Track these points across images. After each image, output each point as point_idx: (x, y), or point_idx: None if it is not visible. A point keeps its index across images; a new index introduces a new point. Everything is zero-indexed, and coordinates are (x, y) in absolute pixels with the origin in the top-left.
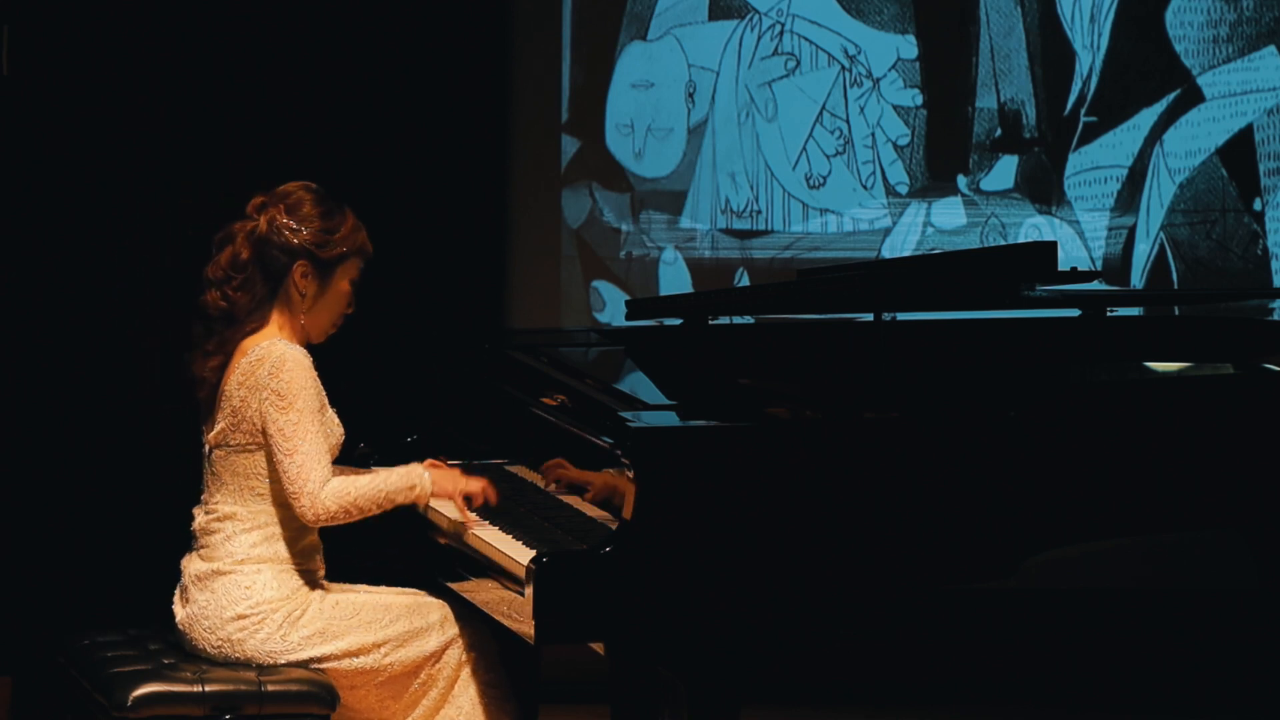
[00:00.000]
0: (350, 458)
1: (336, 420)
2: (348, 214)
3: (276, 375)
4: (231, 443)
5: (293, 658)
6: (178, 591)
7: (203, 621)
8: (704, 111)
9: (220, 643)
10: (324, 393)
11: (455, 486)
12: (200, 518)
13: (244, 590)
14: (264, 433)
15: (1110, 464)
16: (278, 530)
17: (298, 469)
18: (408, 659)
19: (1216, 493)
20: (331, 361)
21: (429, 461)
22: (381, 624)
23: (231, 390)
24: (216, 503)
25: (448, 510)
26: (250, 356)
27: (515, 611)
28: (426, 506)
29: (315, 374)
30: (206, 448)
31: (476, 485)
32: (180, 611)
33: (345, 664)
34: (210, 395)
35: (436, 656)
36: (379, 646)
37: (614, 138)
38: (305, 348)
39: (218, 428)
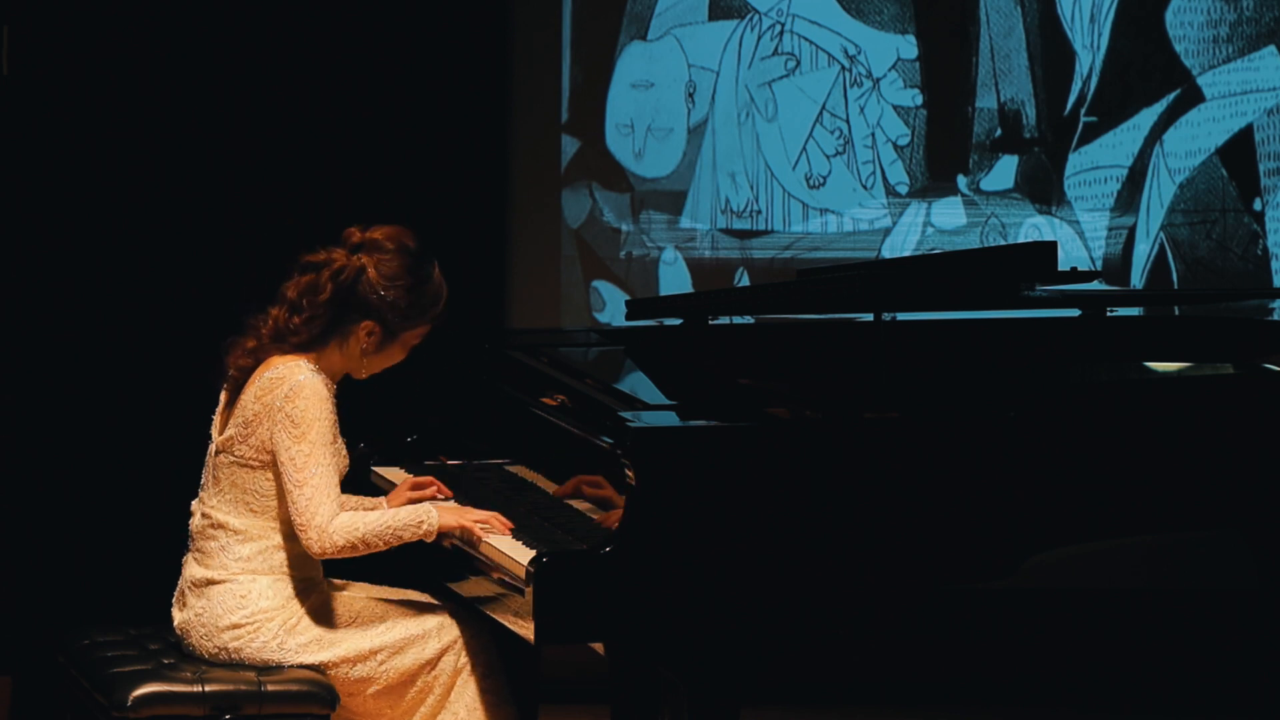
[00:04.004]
0: (351, 458)
1: (344, 451)
2: (435, 279)
3: (292, 400)
4: (236, 453)
5: (290, 663)
6: (176, 595)
7: (199, 629)
8: (704, 111)
9: (217, 650)
10: (337, 424)
11: (459, 521)
12: (197, 518)
13: (239, 599)
14: (273, 456)
15: (1110, 464)
16: (272, 542)
17: (307, 501)
18: (404, 666)
19: (1216, 493)
20: None
21: (418, 481)
22: (378, 630)
23: (247, 401)
24: (212, 508)
25: None
26: (272, 373)
27: (516, 611)
28: None
29: (332, 405)
30: (213, 445)
31: (479, 516)
32: (178, 616)
33: (342, 671)
34: (232, 394)
35: (433, 664)
36: (375, 654)
37: (614, 138)
38: (340, 376)
39: (228, 432)
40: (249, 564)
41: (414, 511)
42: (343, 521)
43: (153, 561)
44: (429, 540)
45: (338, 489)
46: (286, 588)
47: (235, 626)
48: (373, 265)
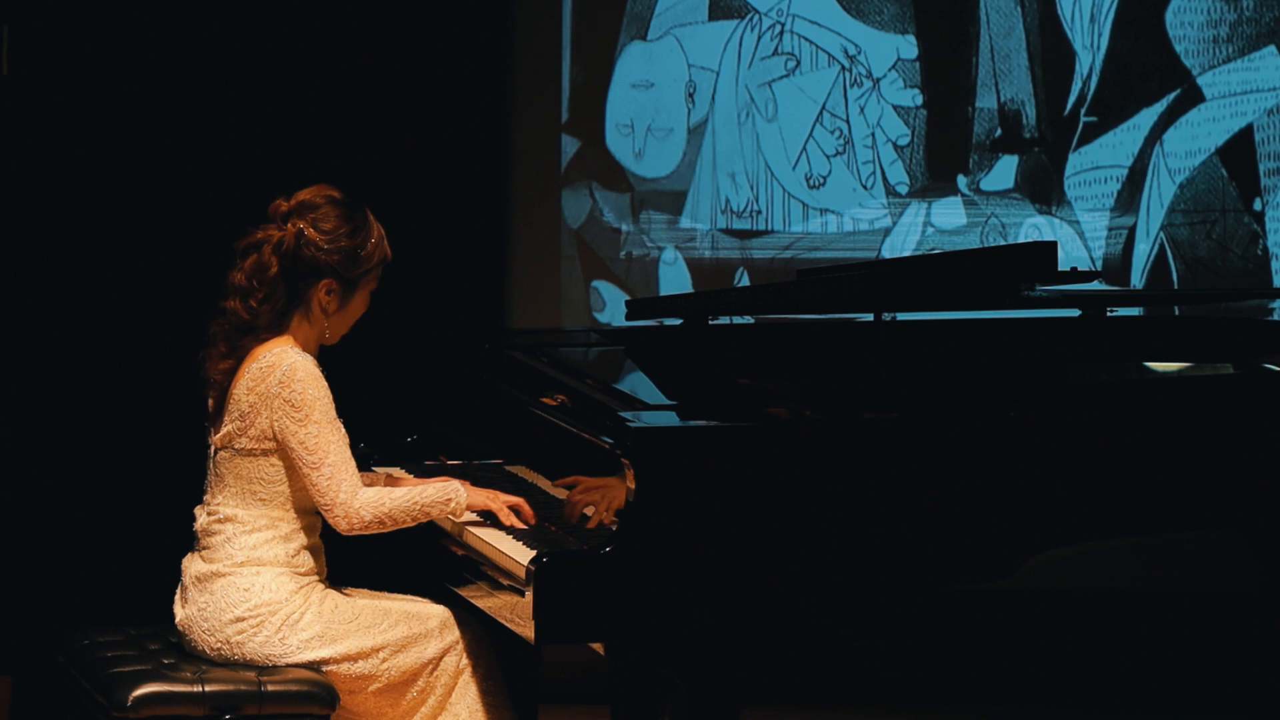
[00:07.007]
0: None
1: (342, 429)
2: (371, 224)
3: (287, 385)
4: (237, 446)
5: (291, 660)
6: (179, 592)
7: (202, 623)
8: (704, 111)
9: (220, 644)
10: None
11: (488, 502)
12: (202, 518)
13: (242, 593)
14: (281, 444)
15: (1110, 464)
16: (278, 534)
17: (327, 481)
18: (405, 666)
19: (1216, 493)
20: (332, 360)
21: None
22: (380, 628)
23: (240, 395)
24: (218, 504)
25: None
26: (260, 363)
27: (516, 612)
28: None
29: (325, 383)
30: (211, 448)
31: (510, 500)
32: (180, 612)
33: (344, 668)
34: (219, 397)
35: (434, 664)
36: (377, 651)
37: (614, 138)
38: (318, 349)
39: (224, 430)
40: (253, 553)
41: (442, 489)
42: (368, 497)
43: (153, 561)
44: (457, 518)
45: (354, 464)
46: (290, 582)
47: (239, 620)
48: (308, 225)
